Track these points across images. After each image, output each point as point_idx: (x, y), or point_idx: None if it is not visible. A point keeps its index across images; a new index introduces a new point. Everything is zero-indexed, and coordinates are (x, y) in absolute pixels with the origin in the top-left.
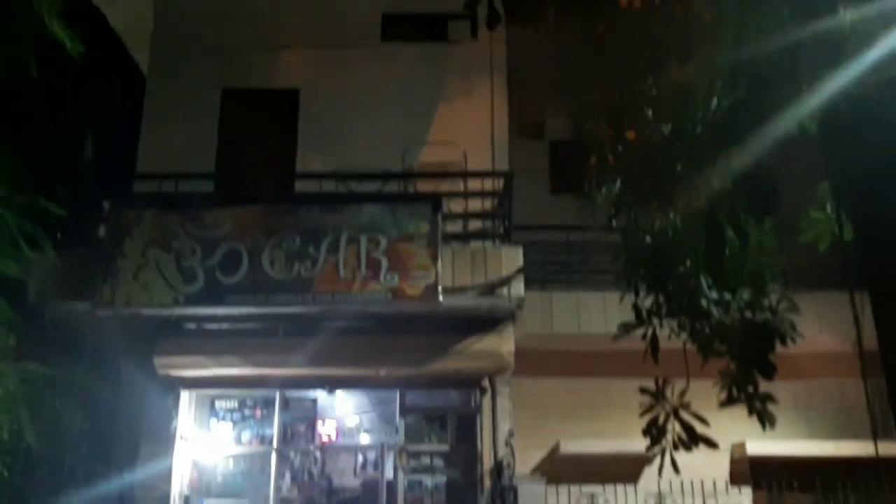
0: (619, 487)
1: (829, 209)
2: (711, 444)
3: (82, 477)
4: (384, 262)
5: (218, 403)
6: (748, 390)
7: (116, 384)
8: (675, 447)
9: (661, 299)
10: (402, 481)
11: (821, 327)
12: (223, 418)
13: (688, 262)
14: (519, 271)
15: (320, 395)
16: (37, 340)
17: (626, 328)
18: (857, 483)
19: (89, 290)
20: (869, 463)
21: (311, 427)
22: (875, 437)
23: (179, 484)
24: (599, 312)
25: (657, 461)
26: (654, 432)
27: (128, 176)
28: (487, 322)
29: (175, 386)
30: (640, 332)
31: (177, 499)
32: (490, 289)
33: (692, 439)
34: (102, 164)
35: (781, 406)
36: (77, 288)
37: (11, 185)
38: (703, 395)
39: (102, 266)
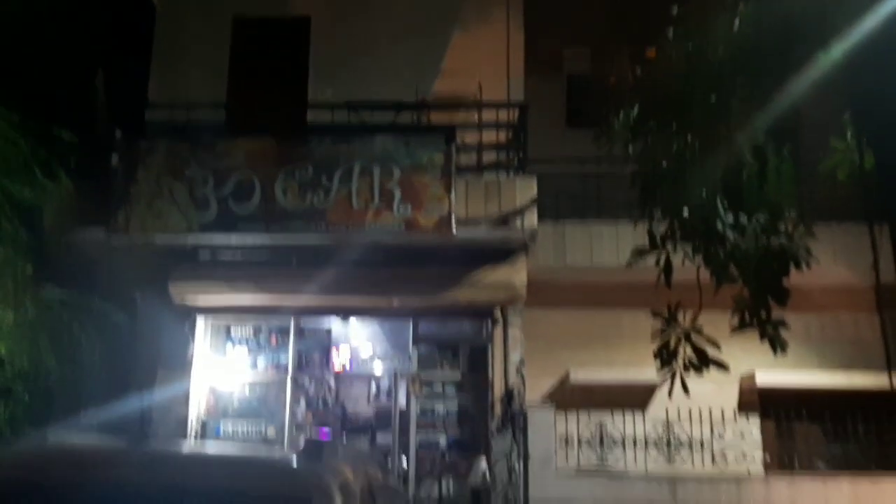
0: (628, 415)
1: (849, 137)
2: (723, 367)
3: (101, 402)
4: (397, 193)
5: (233, 330)
6: (761, 316)
7: (133, 311)
8: (686, 370)
9: (676, 224)
10: (414, 408)
11: (836, 259)
12: (239, 344)
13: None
14: (533, 202)
15: (335, 324)
16: (53, 268)
17: (640, 252)
18: (868, 414)
19: (104, 218)
20: (880, 395)
21: (326, 355)
22: (889, 368)
23: (197, 408)
24: (612, 245)
25: (666, 389)
26: (665, 355)
27: (140, 105)
28: (500, 253)
29: (191, 313)
30: (652, 261)
31: (194, 422)
32: (503, 220)
33: (703, 362)
34: (114, 94)
35: (793, 338)
36: (92, 216)
37: (23, 113)
38: (714, 326)
39: (116, 194)
